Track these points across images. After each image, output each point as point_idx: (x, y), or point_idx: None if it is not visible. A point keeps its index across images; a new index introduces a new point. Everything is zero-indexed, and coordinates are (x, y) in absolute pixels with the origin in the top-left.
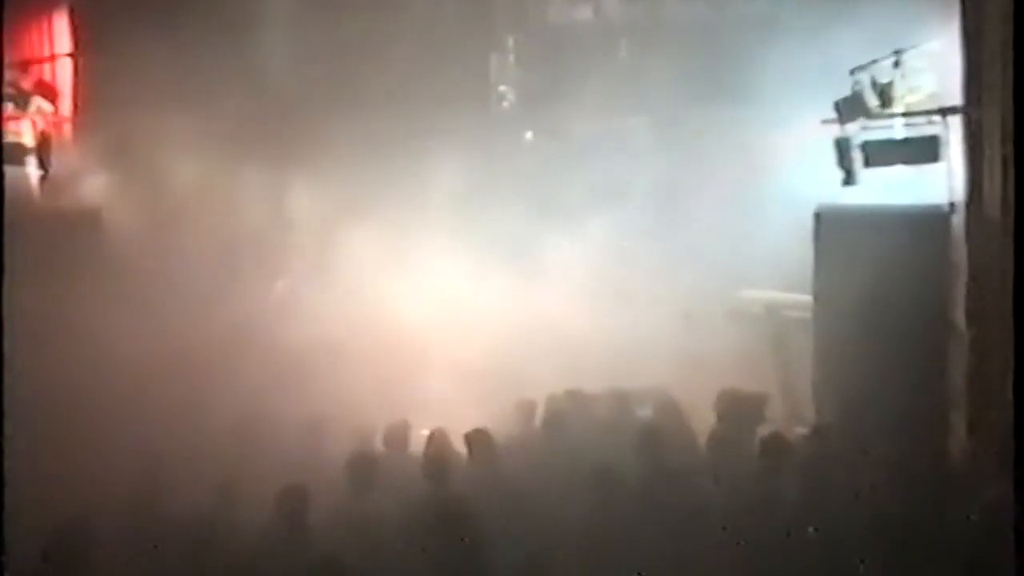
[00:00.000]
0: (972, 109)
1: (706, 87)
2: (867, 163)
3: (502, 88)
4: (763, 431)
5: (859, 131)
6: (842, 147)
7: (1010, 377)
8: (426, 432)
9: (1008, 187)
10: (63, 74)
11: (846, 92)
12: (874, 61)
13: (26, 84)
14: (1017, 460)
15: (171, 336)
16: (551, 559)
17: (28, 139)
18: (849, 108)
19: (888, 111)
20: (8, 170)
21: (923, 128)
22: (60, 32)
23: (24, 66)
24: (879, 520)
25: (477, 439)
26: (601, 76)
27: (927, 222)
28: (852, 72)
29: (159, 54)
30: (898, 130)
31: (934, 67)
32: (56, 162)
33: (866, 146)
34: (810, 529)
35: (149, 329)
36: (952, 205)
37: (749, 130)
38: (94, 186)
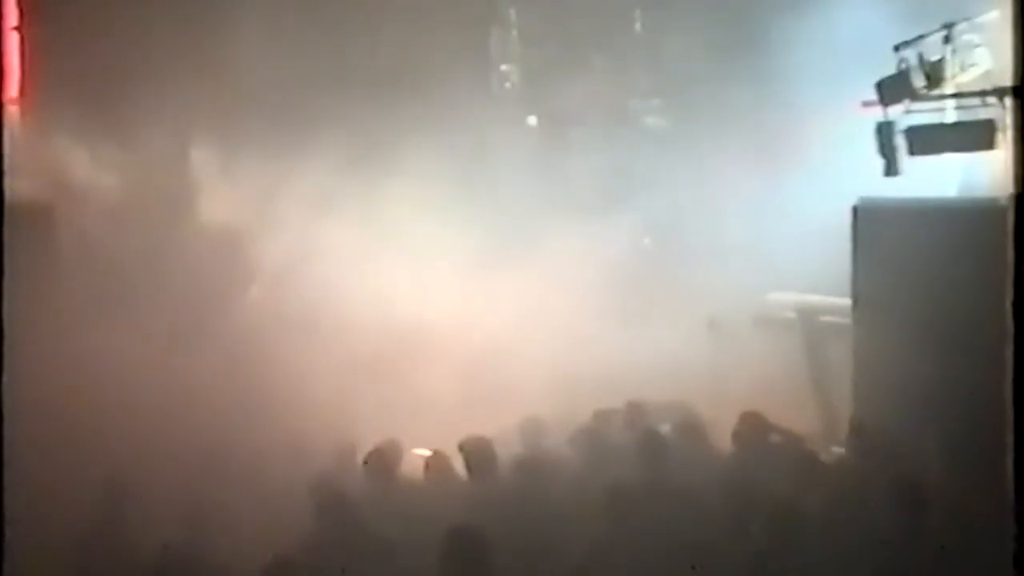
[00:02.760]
0: None
1: (731, 65)
2: (912, 151)
3: (504, 67)
4: (796, 451)
5: (904, 115)
6: (884, 133)
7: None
8: (424, 452)
9: None
10: (8, 50)
11: (889, 71)
12: (921, 36)
13: None
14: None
15: (130, 344)
16: None
17: None
18: (893, 89)
19: (937, 92)
20: None
21: (977, 111)
22: (4, 2)
23: None
24: (926, 553)
25: (476, 451)
26: (614, 53)
27: (980, 217)
28: (897, 48)
29: (119, 28)
30: (948, 113)
31: (990, 42)
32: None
33: (911, 131)
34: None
35: (104, 336)
36: (1012, 198)
37: (779, 114)
38: (46, 176)
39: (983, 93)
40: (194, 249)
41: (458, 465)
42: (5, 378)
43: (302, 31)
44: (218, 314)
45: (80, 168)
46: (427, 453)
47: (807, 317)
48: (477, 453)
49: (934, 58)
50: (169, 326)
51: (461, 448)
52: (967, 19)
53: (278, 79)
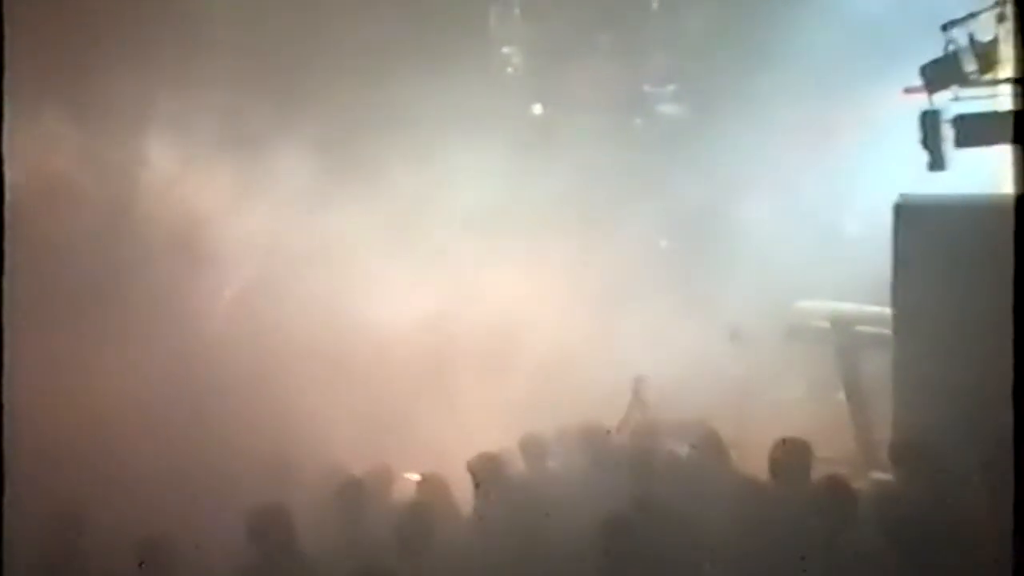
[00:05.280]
0: None
1: (756, 47)
2: (960, 142)
3: (506, 50)
4: (828, 476)
5: (951, 102)
6: (929, 122)
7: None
8: (415, 476)
9: None
10: None
11: (936, 53)
12: (973, 14)
13: None
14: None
15: (90, 355)
16: None
17: None
18: (939, 73)
19: (989, 76)
20: None
21: None
22: None
23: None
24: None
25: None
26: (627, 33)
27: None
28: (944, 28)
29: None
30: (1001, 101)
31: None
32: None
33: (960, 121)
34: None
35: (61, 347)
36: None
37: (810, 101)
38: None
39: None
40: (161, 247)
41: (452, 488)
42: None
43: (283, 7)
44: (192, 321)
45: (41, 155)
46: (417, 477)
47: (842, 327)
48: (486, 472)
49: (986, 39)
50: (136, 336)
51: (470, 467)
52: None
53: (259, 61)
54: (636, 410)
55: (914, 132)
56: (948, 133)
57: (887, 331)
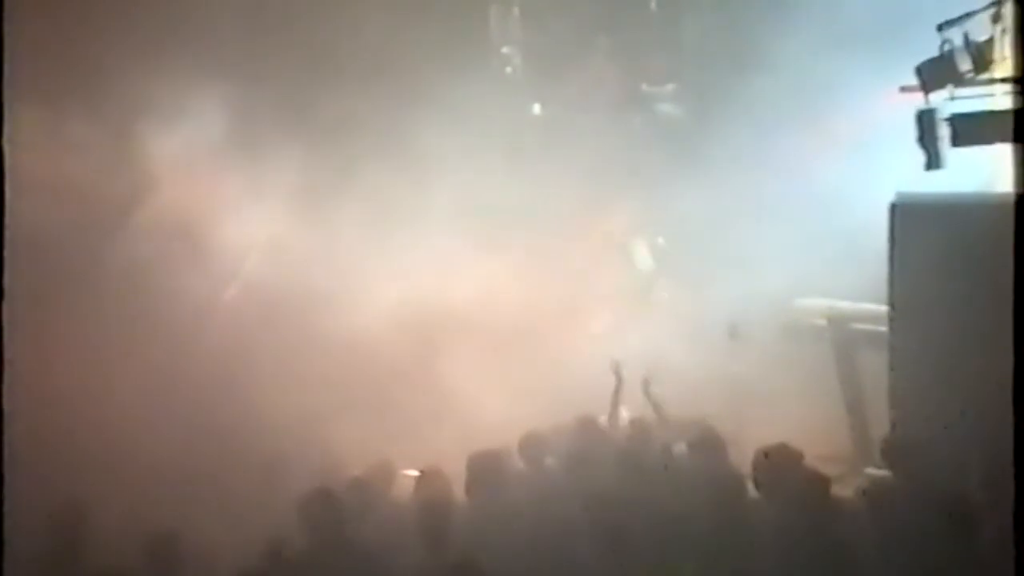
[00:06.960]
0: None
1: (754, 47)
2: (956, 141)
3: (505, 50)
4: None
5: (947, 101)
6: (925, 121)
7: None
8: (414, 472)
9: None
10: None
11: (931, 52)
12: (968, 14)
13: None
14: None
15: (90, 353)
16: None
17: None
18: (935, 73)
19: (985, 76)
20: None
21: None
22: None
23: None
24: None
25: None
26: (626, 33)
27: None
28: (940, 28)
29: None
30: (998, 100)
31: None
32: None
33: (956, 120)
34: None
35: (61, 345)
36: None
37: (807, 100)
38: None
39: None
40: (160, 244)
41: (451, 486)
42: None
43: (285, 5)
44: (190, 317)
45: (42, 154)
46: (416, 474)
47: (839, 325)
48: (484, 469)
49: (981, 38)
50: (136, 330)
51: (469, 464)
52: None
53: (259, 60)
54: (620, 396)
55: (910, 131)
56: (944, 132)
57: (884, 329)
